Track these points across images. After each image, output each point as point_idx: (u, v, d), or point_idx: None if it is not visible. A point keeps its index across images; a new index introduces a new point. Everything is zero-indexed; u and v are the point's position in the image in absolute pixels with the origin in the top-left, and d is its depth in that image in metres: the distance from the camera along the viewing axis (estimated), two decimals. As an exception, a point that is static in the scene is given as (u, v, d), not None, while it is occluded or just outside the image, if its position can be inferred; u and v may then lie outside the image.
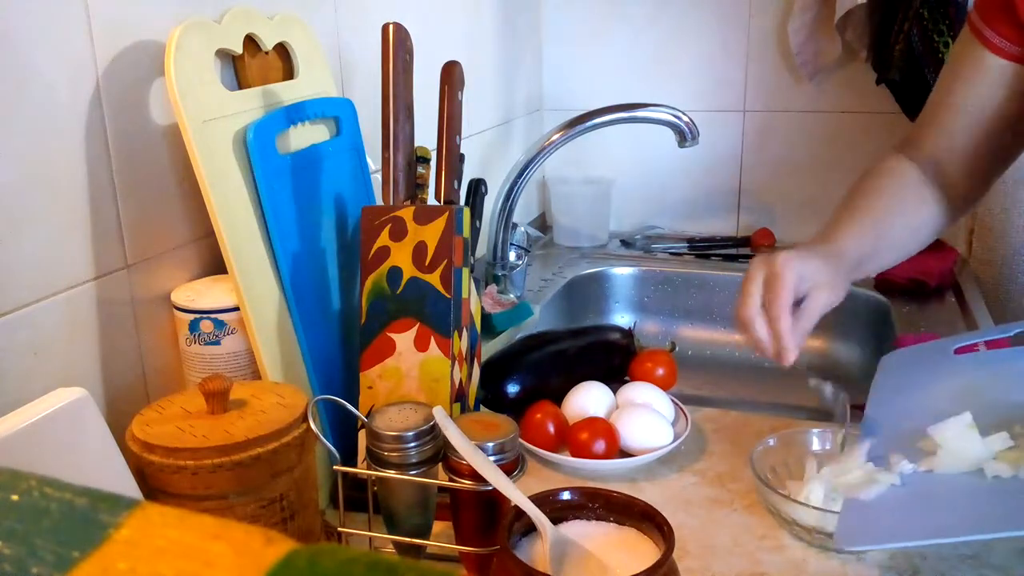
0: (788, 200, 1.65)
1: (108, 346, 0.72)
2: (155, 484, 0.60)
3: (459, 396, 0.80)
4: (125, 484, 0.60)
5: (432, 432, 0.67)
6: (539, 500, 0.61)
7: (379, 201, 0.89)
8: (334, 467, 0.68)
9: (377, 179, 0.94)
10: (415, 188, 0.85)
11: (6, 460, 0.52)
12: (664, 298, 1.52)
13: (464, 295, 0.81)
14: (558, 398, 0.93)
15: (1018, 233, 1.44)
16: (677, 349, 1.07)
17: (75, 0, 0.67)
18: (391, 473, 0.67)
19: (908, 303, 1.31)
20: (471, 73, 0.91)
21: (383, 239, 0.80)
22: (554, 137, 1.25)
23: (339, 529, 0.70)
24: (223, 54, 0.80)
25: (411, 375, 0.78)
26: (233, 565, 0.31)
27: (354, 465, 0.73)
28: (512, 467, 0.67)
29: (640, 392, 0.93)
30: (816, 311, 0.79)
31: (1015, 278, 1.45)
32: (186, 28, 0.73)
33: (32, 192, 0.65)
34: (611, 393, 0.94)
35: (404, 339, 0.78)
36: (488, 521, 0.67)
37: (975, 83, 0.90)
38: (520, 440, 0.71)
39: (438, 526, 0.73)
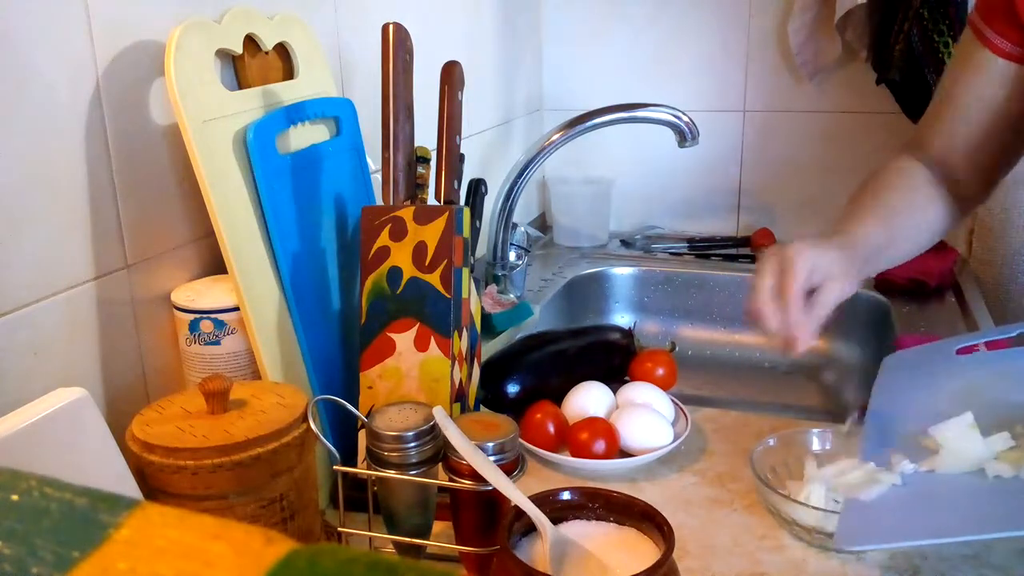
0: (788, 200, 1.65)
1: (108, 346, 0.72)
2: (155, 484, 0.60)
3: (459, 396, 0.80)
4: (125, 484, 0.60)
5: (432, 432, 0.67)
6: (539, 500, 0.61)
7: (379, 201, 0.89)
8: (334, 467, 0.68)
9: (377, 179, 0.94)
10: (415, 188, 0.85)
11: (6, 460, 0.52)
12: (664, 298, 1.52)
13: (464, 295, 0.81)
14: (558, 398, 0.93)
15: (1018, 233, 1.44)
16: (677, 349, 1.07)
17: (75, 0, 0.67)
18: (391, 473, 0.67)
19: (908, 303, 1.31)
20: (471, 73, 0.91)
21: (383, 239, 0.80)
22: (554, 137, 1.25)
23: (339, 529, 0.70)
24: (223, 54, 0.80)
25: (411, 375, 0.78)
26: (233, 565, 0.31)
27: (354, 465, 0.73)
28: (512, 467, 0.67)
29: (640, 392, 0.93)
30: (829, 302, 0.78)
31: (1015, 278, 1.45)
32: (186, 28, 0.73)
33: (32, 192, 0.65)
34: (611, 393, 0.94)
35: (404, 339, 0.78)
36: (488, 521, 0.67)
37: (977, 83, 0.90)
38: (520, 440, 0.71)
39: (438, 526, 0.73)
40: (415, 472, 0.67)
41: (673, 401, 0.94)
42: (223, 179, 0.74)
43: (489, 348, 1.08)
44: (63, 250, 0.68)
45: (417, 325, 0.78)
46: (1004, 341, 0.88)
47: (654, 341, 1.42)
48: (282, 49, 0.87)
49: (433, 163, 0.85)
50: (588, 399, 0.92)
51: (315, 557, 0.32)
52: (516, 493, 0.61)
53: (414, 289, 0.79)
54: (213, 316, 0.75)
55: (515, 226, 1.31)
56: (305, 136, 0.85)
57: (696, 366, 1.44)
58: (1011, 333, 0.87)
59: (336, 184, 0.88)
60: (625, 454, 0.87)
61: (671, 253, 1.60)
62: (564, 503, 0.62)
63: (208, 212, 0.73)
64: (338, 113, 0.90)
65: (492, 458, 0.65)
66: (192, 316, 0.75)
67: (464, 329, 0.82)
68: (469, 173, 0.96)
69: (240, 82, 0.83)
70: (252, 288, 0.75)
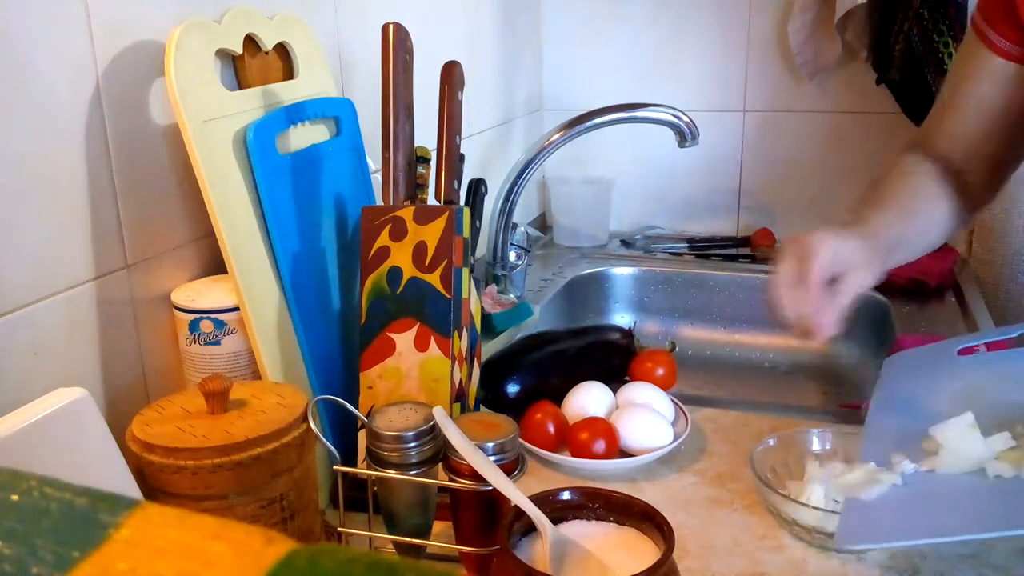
0: (788, 200, 1.65)
1: (108, 346, 0.72)
2: (155, 484, 0.60)
3: (459, 396, 0.80)
4: (125, 484, 0.60)
5: (432, 432, 0.67)
6: (539, 500, 0.61)
7: (379, 201, 0.89)
8: (334, 467, 0.68)
9: (377, 179, 0.94)
10: (415, 188, 0.85)
11: (6, 460, 0.52)
12: (664, 298, 1.52)
13: (464, 295, 0.81)
14: (558, 398, 0.93)
15: (1018, 233, 1.44)
16: (677, 349, 1.07)
17: (75, 0, 0.67)
18: (391, 473, 0.67)
19: (908, 303, 1.31)
20: (471, 73, 0.91)
21: (383, 239, 0.80)
22: (554, 137, 1.25)
23: (339, 529, 0.70)
24: (223, 54, 0.80)
25: (411, 375, 0.78)
26: (233, 565, 0.31)
27: (354, 465, 0.73)
28: (512, 467, 0.67)
29: (640, 392, 0.93)
30: (852, 291, 0.77)
31: (1015, 278, 1.45)
32: (186, 28, 0.73)
33: (32, 192, 0.65)
34: (611, 393, 0.94)
35: (404, 339, 0.78)
36: (488, 521, 0.67)
37: (979, 84, 0.90)
38: (520, 440, 0.71)
39: (438, 526, 0.73)
40: (415, 472, 0.67)
41: (673, 401, 0.94)
42: (223, 179, 0.74)
43: (489, 348, 1.08)
44: (63, 250, 0.68)
45: (417, 325, 0.78)
46: (1005, 342, 0.88)
47: (654, 341, 1.42)
48: (282, 49, 0.87)
49: (433, 163, 0.85)
50: (588, 399, 0.92)
51: (315, 557, 0.32)
52: (516, 493, 0.61)
53: (414, 289, 0.79)
54: (213, 316, 0.75)
55: (515, 226, 1.31)
56: (305, 136, 0.85)
57: (696, 366, 1.44)
58: (1012, 334, 0.87)
59: (336, 184, 0.88)
60: (625, 454, 0.87)
61: (671, 253, 1.60)
62: (564, 503, 0.62)
63: (208, 212, 0.73)
64: (338, 113, 0.90)
65: (492, 458, 0.65)
66: (192, 316, 0.75)
67: (464, 329, 0.82)
68: (469, 173, 0.96)
69: (240, 82, 0.83)
70: (252, 288, 0.75)
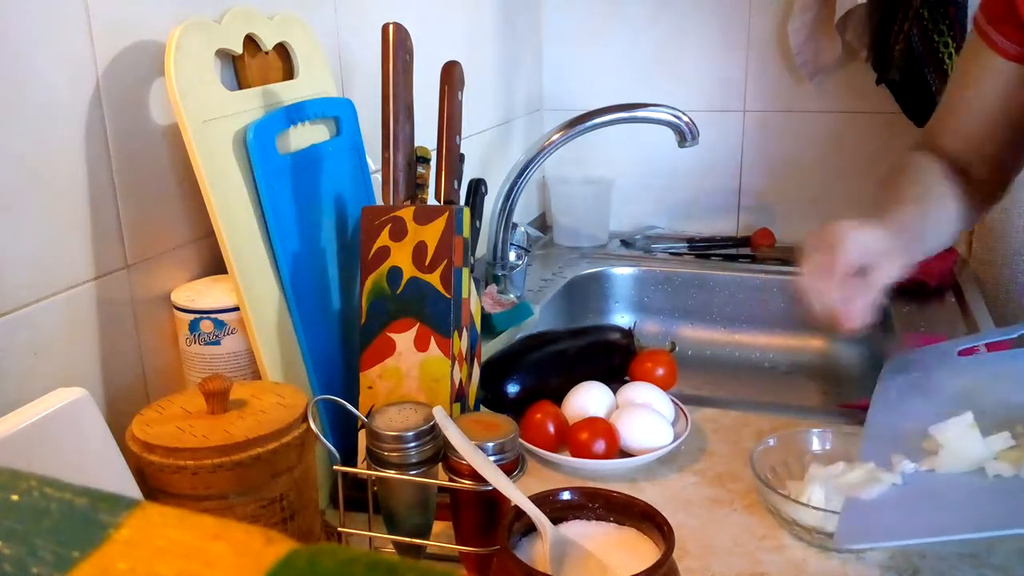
0: (788, 200, 1.65)
1: (108, 346, 0.72)
2: (155, 484, 0.60)
3: (459, 396, 0.80)
4: (125, 484, 0.60)
5: (432, 432, 0.67)
6: (539, 500, 0.61)
7: (379, 201, 0.89)
8: (334, 467, 0.68)
9: (377, 179, 0.94)
10: (415, 188, 0.85)
11: (6, 460, 0.52)
12: (664, 298, 1.52)
13: (464, 295, 0.81)
14: (558, 398, 0.93)
15: (1018, 233, 1.44)
16: (677, 349, 1.07)
17: (75, 0, 0.67)
18: (391, 473, 0.67)
19: (908, 303, 1.31)
20: (471, 73, 0.91)
21: (383, 239, 0.80)
22: (554, 137, 1.25)
23: (339, 529, 0.70)
24: (223, 54, 0.80)
25: (411, 375, 0.78)
26: (233, 565, 0.31)
27: (354, 465, 0.73)
28: (512, 467, 0.67)
29: (640, 392, 0.93)
30: (882, 282, 0.76)
31: (1015, 278, 1.45)
32: (186, 28, 0.73)
33: (32, 192, 0.65)
34: (611, 393, 0.94)
35: (404, 339, 0.78)
36: (488, 521, 0.67)
37: (982, 85, 0.90)
38: (520, 440, 0.71)
39: (438, 526, 0.73)
40: (415, 472, 0.67)
41: (673, 401, 0.94)
42: (223, 179, 0.74)
43: (489, 348, 1.08)
44: (63, 250, 0.68)
45: (417, 325, 0.78)
46: (1005, 342, 0.88)
47: (654, 341, 1.42)
48: (282, 49, 0.87)
49: (433, 163, 0.85)
50: (588, 399, 0.92)
51: (315, 557, 0.32)
52: (516, 493, 0.61)
53: (414, 289, 0.79)
54: (213, 316, 0.75)
55: (515, 226, 1.31)
56: (305, 136, 0.85)
57: (696, 366, 1.44)
58: (1012, 335, 0.87)
59: (336, 184, 0.88)
60: (625, 454, 0.87)
61: (671, 253, 1.60)
62: (564, 503, 0.62)
63: (208, 212, 0.73)
64: (338, 113, 0.90)
65: (492, 458, 0.65)
66: (192, 316, 0.75)
67: (464, 329, 0.82)
68: (469, 173, 0.96)
69: (240, 82, 0.83)
70: (252, 288, 0.75)
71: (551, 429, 0.88)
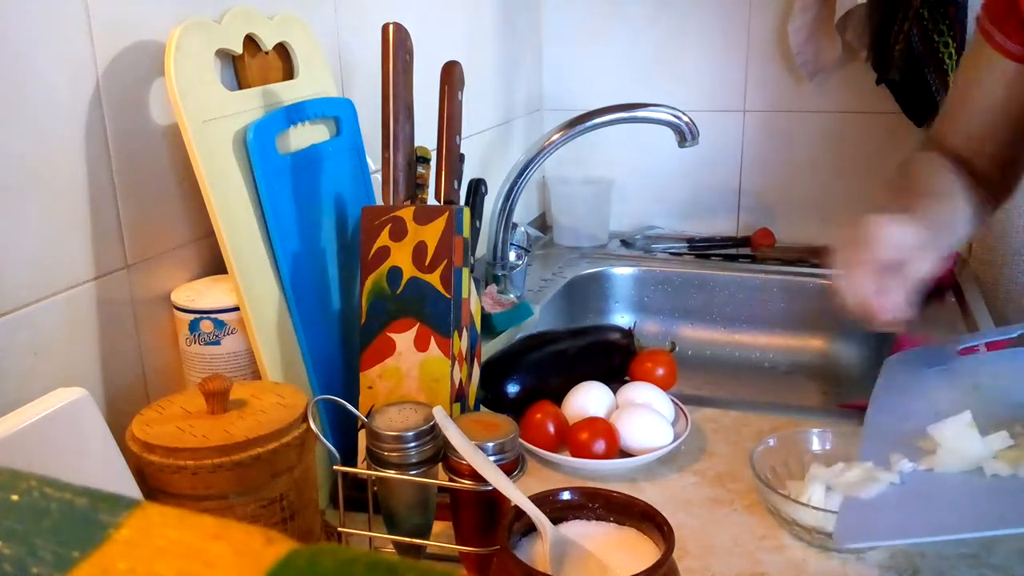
0: (788, 200, 1.65)
1: (108, 346, 0.72)
2: (155, 484, 0.60)
3: (459, 396, 0.80)
4: (125, 484, 0.60)
5: (432, 432, 0.67)
6: (539, 500, 0.61)
7: (379, 201, 0.89)
8: (334, 467, 0.68)
9: (377, 179, 0.94)
10: (415, 188, 0.85)
11: (6, 460, 0.52)
12: (664, 298, 1.52)
13: (464, 295, 0.81)
14: (558, 398, 0.93)
15: (1018, 233, 1.44)
16: (677, 349, 1.07)
17: (75, 0, 0.67)
18: (391, 473, 0.67)
19: (907, 303, 1.31)
20: (471, 73, 0.91)
21: (383, 239, 0.80)
22: (554, 137, 1.25)
23: (339, 529, 0.70)
24: (223, 54, 0.80)
25: (411, 375, 0.78)
26: (233, 565, 0.31)
27: (354, 465, 0.73)
28: (512, 467, 0.67)
29: (640, 392, 0.93)
30: (916, 274, 0.75)
31: (1015, 278, 1.45)
32: (186, 28, 0.73)
33: (32, 192, 0.65)
34: (611, 393, 0.94)
35: (404, 339, 0.78)
36: (488, 521, 0.67)
37: (986, 85, 0.90)
38: (520, 440, 0.71)
39: (438, 526, 0.73)
40: (415, 472, 0.67)
41: (673, 401, 0.94)
42: (223, 179, 0.74)
43: (489, 348, 1.08)
44: (63, 250, 0.68)
45: (417, 325, 0.78)
46: (1005, 342, 0.88)
47: (654, 341, 1.42)
48: (282, 49, 0.87)
49: (433, 163, 0.85)
50: (588, 399, 0.92)
51: (315, 557, 0.32)
52: (516, 493, 0.61)
53: (414, 289, 0.79)
54: (213, 316, 0.75)
55: (515, 226, 1.31)
56: (305, 136, 0.85)
57: (696, 366, 1.44)
58: (1012, 334, 0.87)
59: (336, 184, 0.88)
60: (625, 454, 0.87)
61: (671, 253, 1.60)
62: (564, 503, 0.62)
63: (208, 212, 0.73)
64: (338, 113, 0.90)
65: (492, 458, 0.65)
66: (192, 316, 0.75)
67: (464, 329, 0.82)
68: (469, 173, 0.96)
69: (240, 82, 0.83)
70: (252, 288, 0.75)
71: (551, 429, 0.88)
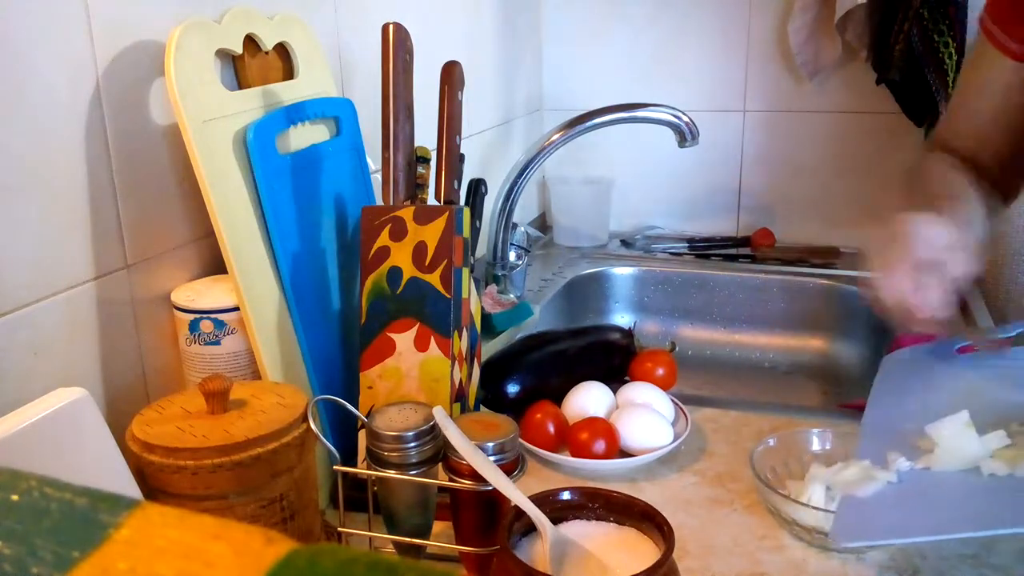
0: (788, 200, 1.65)
1: (108, 346, 0.72)
2: (155, 484, 0.60)
3: (459, 396, 0.80)
4: (125, 484, 0.60)
5: (432, 432, 0.67)
6: (539, 500, 0.61)
7: (379, 201, 0.89)
8: (334, 467, 0.68)
9: (377, 179, 0.94)
10: (415, 188, 0.85)
11: (6, 460, 0.52)
12: (664, 298, 1.52)
13: (464, 295, 0.81)
14: (558, 398, 0.93)
15: (1018, 234, 1.44)
16: (677, 349, 1.07)
17: (75, 0, 0.67)
18: (391, 473, 0.67)
19: (908, 303, 1.31)
20: (471, 73, 0.91)
21: (383, 239, 0.80)
22: (554, 137, 1.25)
23: (339, 529, 0.70)
24: (223, 54, 0.80)
25: (411, 375, 0.78)
26: (233, 565, 0.31)
27: (354, 465, 0.73)
28: (512, 467, 0.67)
29: (640, 392, 0.93)
30: (956, 276, 0.75)
31: (1015, 278, 1.45)
32: (186, 28, 0.73)
33: (32, 192, 0.65)
34: (611, 393, 0.94)
35: (404, 339, 0.78)
36: (488, 521, 0.67)
37: (990, 85, 0.90)
38: (520, 440, 0.71)
39: (438, 526, 0.73)
40: (415, 472, 0.67)
41: (673, 401, 0.94)
42: (223, 179, 0.74)
43: (489, 348, 1.08)
44: (63, 250, 0.68)
45: (417, 325, 0.78)
46: (1004, 341, 0.88)
47: (654, 341, 1.42)
48: (282, 49, 0.87)
49: (433, 163, 0.85)
50: (588, 399, 0.92)
51: (315, 557, 0.32)
52: (516, 493, 0.61)
53: (414, 289, 0.79)
54: (213, 316, 0.75)
55: (515, 226, 1.31)
56: (305, 136, 0.85)
57: (696, 366, 1.44)
58: (1011, 333, 0.87)
59: (336, 184, 0.88)
60: (625, 454, 0.87)
61: (671, 253, 1.60)
62: (564, 503, 0.62)
63: (208, 212, 0.73)
64: (338, 113, 0.90)
65: (492, 458, 0.65)
66: (192, 316, 0.75)
67: (464, 329, 0.82)
68: (469, 173, 0.96)
69: (240, 82, 0.83)
70: (252, 288, 0.75)
71: (551, 429, 0.88)
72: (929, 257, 0.74)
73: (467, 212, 0.83)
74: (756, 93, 1.62)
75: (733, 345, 1.48)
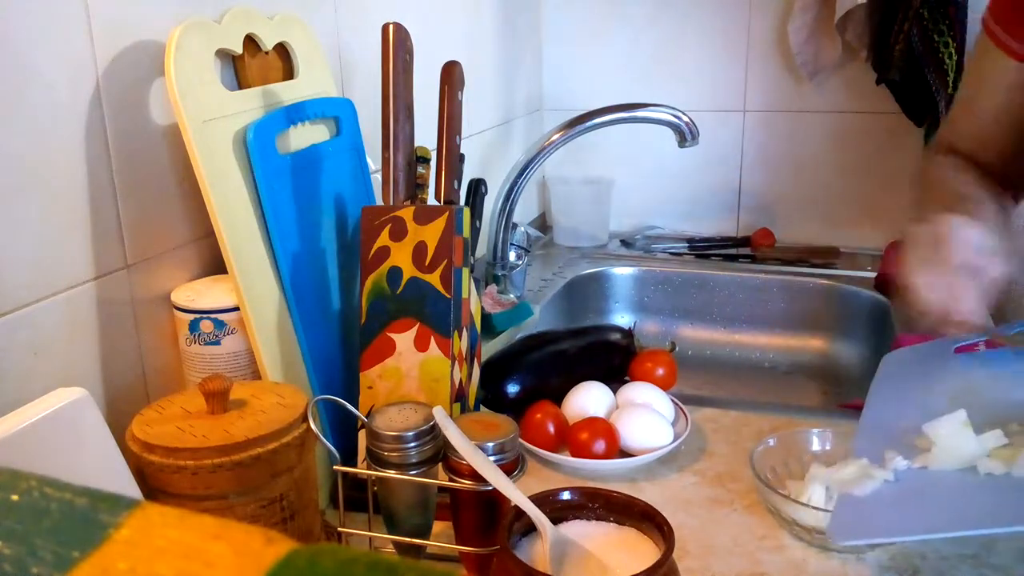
0: (788, 200, 1.65)
1: (108, 346, 0.72)
2: (155, 484, 0.60)
3: (459, 396, 0.80)
4: (125, 484, 0.60)
5: (432, 432, 0.67)
6: (539, 500, 0.61)
7: (379, 201, 0.89)
8: (334, 467, 0.68)
9: (377, 179, 0.94)
10: (415, 188, 0.85)
11: (6, 460, 0.52)
12: (664, 298, 1.52)
13: (464, 295, 0.81)
14: (558, 398, 0.93)
15: (1018, 233, 1.44)
16: (677, 349, 1.07)
17: (75, 0, 0.67)
18: (391, 473, 0.67)
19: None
20: (471, 73, 0.91)
21: (383, 239, 0.80)
22: (554, 137, 1.25)
23: (339, 529, 0.70)
24: (223, 54, 0.80)
25: (411, 375, 0.78)
26: (233, 565, 0.31)
27: (354, 465, 0.73)
28: (512, 467, 0.67)
29: (640, 392, 0.93)
30: (992, 278, 0.75)
31: (1015, 278, 1.45)
32: (186, 28, 0.73)
33: (32, 192, 0.65)
34: (611, 393, 0.94)
35: (404, 339, 0.78)
36: (488, 521, 0.67)
37: (993, 86, 0.90)
38: (520, 440, 0.71)
39: (438, 526, 0.73)
40: (415, 472, 0.67)
41: (673, 401, 0.94)
42: (223, 179, 0.74)
43: (489, 348, 1.08)
44: (63, 250, 0.68)
45: (417, 325, 0.78)
46: (1001, 340, 0.88)
47: (654, 341, 1.42)
48: (282, 49, 0.87)
49: (433, 163, 0.85)
50: (588, 399, 0.92)
51: (315, 557, 0.32)
52: (516, 493, 0.61)
53: (414, 289, 0.79)
54: (213, 316, 0.75)
55: (515, 226, 1.31)
56: (305, 136, 0.85)
57: (696, 366, 1.44)
58: (1010, 332, 0.87)
59: (336, 184, 0.88)
60: (625, 454, 0.87)
61: (671, 253, 1.60)
62: (564, 503, 0.62)
63: (208, 212, 0.73)
64: (338, 113, 0.90)
65: (492, 458, 0.65)
66: (192, 316, 0.75)
67: (464, 329, 0.82)
68: (469, 173, 0.96)
69: (240, 82, 0.83)
70: (252, 288, 0.75)
71: (551, 429, 0.88)
72: (968, 260, 0.74)
73: (467, 212, 0.83)
74: (756, 93, 1.62)
75: (733, 345, 1.48)
